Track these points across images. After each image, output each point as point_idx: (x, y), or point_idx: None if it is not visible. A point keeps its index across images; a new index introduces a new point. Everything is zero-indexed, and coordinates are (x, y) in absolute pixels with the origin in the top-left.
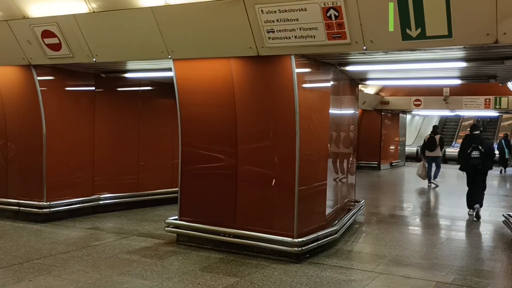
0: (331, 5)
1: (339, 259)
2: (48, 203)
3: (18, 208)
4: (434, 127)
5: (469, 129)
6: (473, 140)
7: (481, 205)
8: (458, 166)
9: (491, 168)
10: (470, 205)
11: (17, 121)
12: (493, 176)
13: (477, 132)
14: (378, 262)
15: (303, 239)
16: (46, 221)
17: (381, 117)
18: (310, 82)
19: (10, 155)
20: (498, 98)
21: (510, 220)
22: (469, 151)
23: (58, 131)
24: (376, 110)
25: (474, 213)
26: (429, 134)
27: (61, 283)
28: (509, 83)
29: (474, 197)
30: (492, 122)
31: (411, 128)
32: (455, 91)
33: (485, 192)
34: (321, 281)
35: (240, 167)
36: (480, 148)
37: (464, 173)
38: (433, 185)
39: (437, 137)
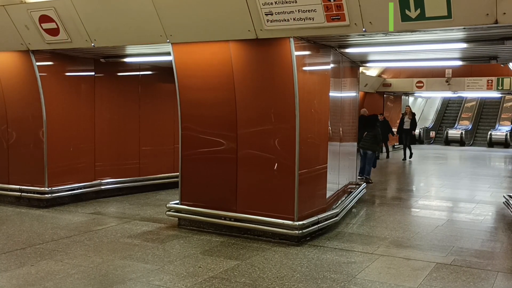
0: None
1: (340, 242)
2: (50, 188)
3: (20, 193)
4: None
5: None
6: None
7: None
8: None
9: None
10: None
11: (17, 107)
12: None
13: None
14: (378, 244)
15: (304, 222)
16: (48, 206)
17: (383, 100)
18: (310, 65)
19: (11, 141)
20: (500, 79)
21: (511, 201)
22: None
23: (59, 116)
24: (378, 93)
25: None
26: None
27: (63, 268)
28: (510, 63)
29: None
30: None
31: (413, 110)
32: (458, 73)
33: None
34: (321, 264)
35: (241, 151)
36: None
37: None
38: None
39: None
